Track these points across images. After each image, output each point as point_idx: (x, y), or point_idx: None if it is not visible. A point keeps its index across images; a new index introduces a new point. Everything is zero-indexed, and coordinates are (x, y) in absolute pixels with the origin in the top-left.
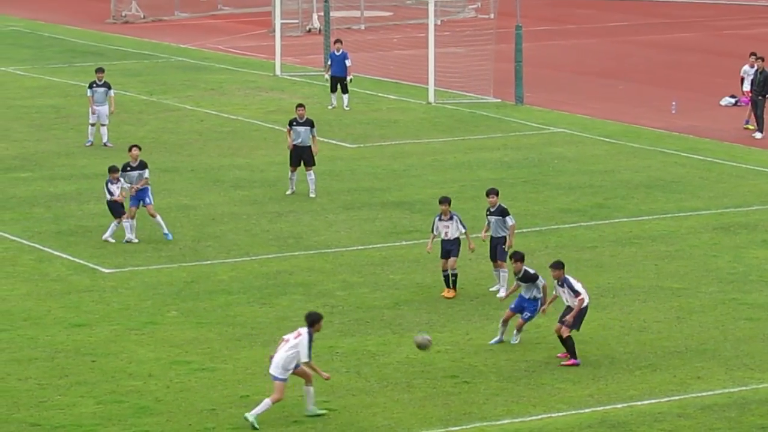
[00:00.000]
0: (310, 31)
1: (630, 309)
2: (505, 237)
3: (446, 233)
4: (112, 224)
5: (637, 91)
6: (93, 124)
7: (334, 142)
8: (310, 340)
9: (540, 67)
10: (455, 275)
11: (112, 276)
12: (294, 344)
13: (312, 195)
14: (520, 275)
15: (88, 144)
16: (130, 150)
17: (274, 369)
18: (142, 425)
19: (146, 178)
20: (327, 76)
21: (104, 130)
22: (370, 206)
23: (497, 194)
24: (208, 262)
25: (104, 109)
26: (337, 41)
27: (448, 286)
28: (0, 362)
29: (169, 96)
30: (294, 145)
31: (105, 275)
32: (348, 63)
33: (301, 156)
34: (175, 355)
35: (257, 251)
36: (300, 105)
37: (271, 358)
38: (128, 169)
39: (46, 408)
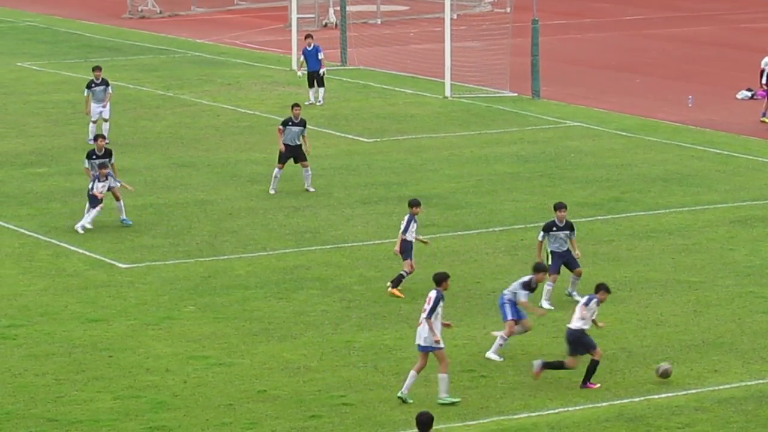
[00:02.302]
0: (326, 25)
1: (647, 303)
2: (568, 250)
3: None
4: (93, 211)
5: (653, 85)
6: (95, 122)
7: (350, 136)
8: (437, 299)
9: (556, 61)
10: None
11: (128, 271)
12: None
13: (311, 189)
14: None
15: (90, 141)
16: (95, 140)
17: (425, 340)
18: (160, 420)
19: (113, 164)
20: (300, 74)
21: (107, 126)
22: (386, 200)
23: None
24: (225, 257)
25: (106, 106)
26: (308, 36)
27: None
28: (17, 357)
29: (186, 91)
30: (285, 144)
31: (122, 270)
32: (321, 56)
33: (293, 154)
34: (192, 350)
35: (274, 246)
36: (296, 105)
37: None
38: (93, 157)
39: (64, 403)
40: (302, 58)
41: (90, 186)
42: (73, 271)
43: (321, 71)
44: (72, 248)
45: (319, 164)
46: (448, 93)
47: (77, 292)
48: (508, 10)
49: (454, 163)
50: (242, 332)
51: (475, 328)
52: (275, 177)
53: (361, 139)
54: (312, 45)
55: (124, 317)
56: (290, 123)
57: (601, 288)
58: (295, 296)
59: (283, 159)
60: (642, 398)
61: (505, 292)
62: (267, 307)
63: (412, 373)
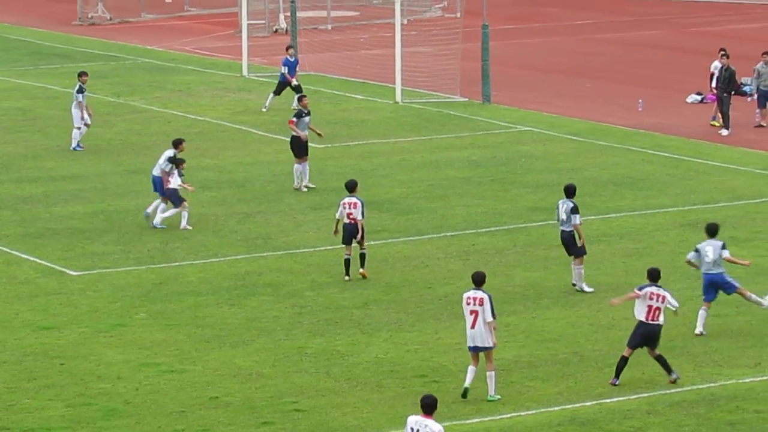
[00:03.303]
0: (276, 31)
1: (598, 306)
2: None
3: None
4: (185, 213)
5: (604, 89)
6: (86, 126)
7: None
8: (491, 299)
9: (507, 65)
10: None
11: (80, 278)
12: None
13: (312, 185)
14: None
15: (77, 148)
16: (180, 144)
17: (488, 341)
18: (112, 428)
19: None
20: (295, 82)
21: (77, 133)
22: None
23: None
24: (177, 263)
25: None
26: (290, 47)
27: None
28: None
29: (137, 98)
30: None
31: (73, 278)
32: (298, 68)
33: (305, 146)
34: (144, 357)
35: (226, 252)
36: (305, 95)
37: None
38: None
39: (15, 411)
40: (284, 68)
41: (171, 182)
42: (24, 278)
43: (294, 81)
44: (23, 256)
45: (270, 170)
46: (398, 98)
47: (28, 300)
48: (459, 15)
49: (405, 169)
50: (194, 339)
51: (427, 333)
52: (296, 172)
53: (312, 144)
54: (294, 57)
55: (75, 325)
56: (304, 114)
57: None
58: (247, 302)
59: (300, 152)
60: (594, 402)
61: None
62: (219, 314)
63: (472, 368)
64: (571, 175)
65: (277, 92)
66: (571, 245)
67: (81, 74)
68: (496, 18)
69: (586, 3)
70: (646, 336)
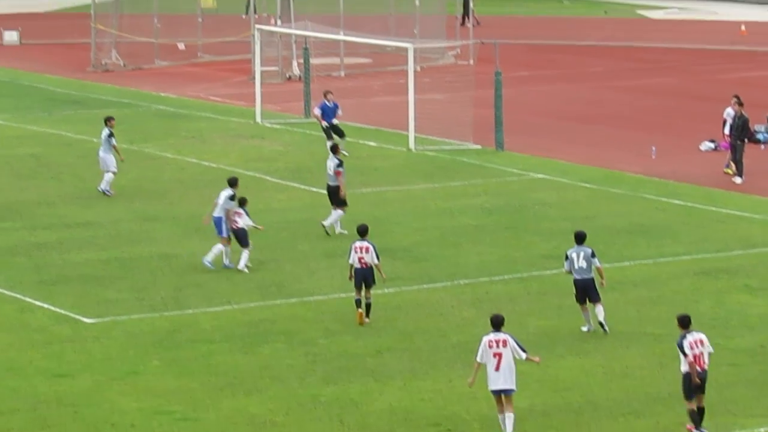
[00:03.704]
0: (290, 78)
1: (612, 355)
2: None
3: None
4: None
5: (616, 136)
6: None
7: (314, 189)
8: (515, 339)
9: (520, 112)
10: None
11: (93, 326)
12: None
13: (345, 231)
14: None
15: (108, 191)
16: (236, 183)
17: (512, 383)
18: None
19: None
20: (325, 124)
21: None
22: None
23: None
24: (190, 311)
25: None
26: (329, 92)
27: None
28: None
29: (150, 144)
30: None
31: (87, 325)
32: (340, 112)
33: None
34: (157, 405)
35: (239, 300)
36: (338, 145)
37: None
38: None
39: None
40: (319, 112)
41: (239, 222)
42: (37, 325)
43: (323, 123)
44: (37, 303)
45: (284, 217)
46: (412, 145)
47: (42, 347)
48: (472, 62)
49: (419, 216)
50: (208, 387)
51: (441, 381)
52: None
53: (325, 192)
54: (332, 101)
55: (89, 372)
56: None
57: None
58: (261, 350)
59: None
60: None
61: None
62: (232, 362)
63: (508, 415)
64: (584, 223)
65: (330, 136)
66: (593, 290)
67: (109, 119)
68: (509, 65)
69: (598, 50)
70: (701, 383)
